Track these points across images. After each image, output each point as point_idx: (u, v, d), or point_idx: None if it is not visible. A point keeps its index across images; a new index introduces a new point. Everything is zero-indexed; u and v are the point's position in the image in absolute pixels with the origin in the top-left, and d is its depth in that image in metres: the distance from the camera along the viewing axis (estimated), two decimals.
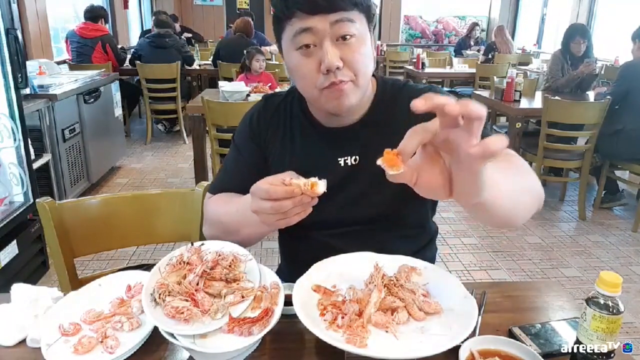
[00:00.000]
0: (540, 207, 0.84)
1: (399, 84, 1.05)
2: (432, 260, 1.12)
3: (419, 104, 0.53)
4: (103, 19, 5.01)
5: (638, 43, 3.37)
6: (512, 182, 0.75)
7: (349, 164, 1.00)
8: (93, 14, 4.91)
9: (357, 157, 1.00)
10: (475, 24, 7.60)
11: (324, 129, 1.01)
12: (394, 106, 1.00)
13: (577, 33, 3.85)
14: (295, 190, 0.75)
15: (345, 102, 0.90)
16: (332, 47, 0.85)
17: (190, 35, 7.28)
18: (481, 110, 0.52)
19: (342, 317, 0.78)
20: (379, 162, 0.59)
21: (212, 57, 5.33)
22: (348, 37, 0.86)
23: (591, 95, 3.86)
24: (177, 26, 7.09)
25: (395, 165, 0.59)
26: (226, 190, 1.07)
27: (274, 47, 5.59)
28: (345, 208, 1.01)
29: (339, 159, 1.00)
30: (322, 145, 1.02)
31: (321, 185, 0.76)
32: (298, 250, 1.12)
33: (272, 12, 0.94)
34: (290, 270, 0.92)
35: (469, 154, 0.53)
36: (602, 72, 4.81)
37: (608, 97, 3.24)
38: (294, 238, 1.13)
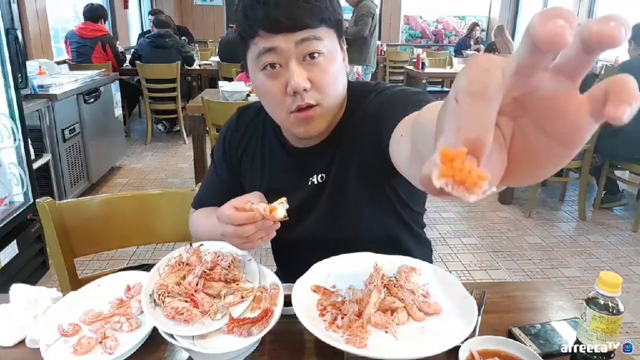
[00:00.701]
0: None
1: (367, 88, 0.96)
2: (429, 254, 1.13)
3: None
4: (103, 19, 5.01)
5: (633, 44, 3.39)
6: None
7: (315, 182, 0.98)
8: (93, 14, 4.91)
9: (323, 174, 0.97)
10: (475, 24, 7.59)
11: (294, 149, 0.99)
12: (358, 114, 0.93)
13: None
14: (255, 216, 0.77)
15: (314, 127, 0.87)
16: (298, 68, 0.81)
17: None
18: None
19: (342, 318, 0.77)
20: (439, 182, 0.28)
21: (218, 56, 5.31)
22: (316, 55, 0.82)
23: None
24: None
25: (475, 180, 0.28)
26: (206, 206, 1.07)
27: None
28: (318, 227, 0.99)
29: (309, 178, 0.98)
30: (292, 166, 1.00)
31: (280, 210, 0.77)
32: (286, 262, 1.14)
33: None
34: (285, 275, 0.92)
35: (580, 115, 0.29)
36: (603, 72, 4.80)
37: None
38: (280, 252, 1.14)
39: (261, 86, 0.86)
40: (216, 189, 1.08)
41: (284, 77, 0.82)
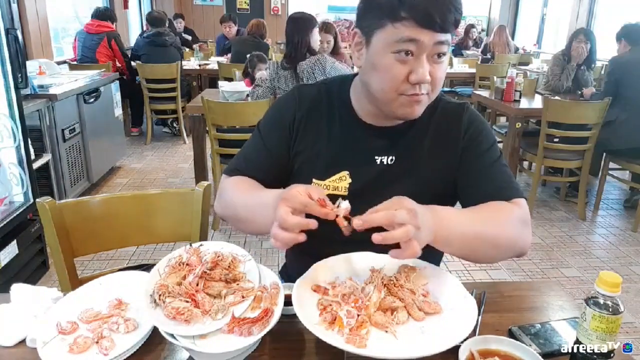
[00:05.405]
0: (519, 255, 0.92)
1: (448, 97, 1.07)
2: (438, 258, 1.13)
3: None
4: (110, 21, 5.02)
5: (624, 42, 3.56)
6: (475, 230, 0.85)
7: (385, 163, 1.01)
8: (101, 15, 4.93)
9: (394, 157, 1.01)
10: (471, 26, 7.55)
11: (366, 125, 1.02)
12: (432, 114, 1.02)
13: (582, 33, 3.87)
14: (329, 214, 0.76)
15: (417, 110, 0.92)
16: (426, 63, 0.87)
17: (190, 37, 7.27)
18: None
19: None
20: None
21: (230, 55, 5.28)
22: (441, 56, 0.89)
23: (588, 94, 3.85)
24: (182, 25, 7.08)
25: None
26: (245, 174, 1.05)
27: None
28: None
29: (376, 157, 1.01)
30: (362, 140, 1.02)
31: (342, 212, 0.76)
32: (315, 247, 1.07)
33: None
34: (299, 264, 0.90)
35: None
36: (603, 72, 4.79)
37: (608, 97, 3.24)
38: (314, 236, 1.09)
39: (387, 66, 0.88)
40: (260, 161, 1.06)
41: (410, 65, 0.87)
